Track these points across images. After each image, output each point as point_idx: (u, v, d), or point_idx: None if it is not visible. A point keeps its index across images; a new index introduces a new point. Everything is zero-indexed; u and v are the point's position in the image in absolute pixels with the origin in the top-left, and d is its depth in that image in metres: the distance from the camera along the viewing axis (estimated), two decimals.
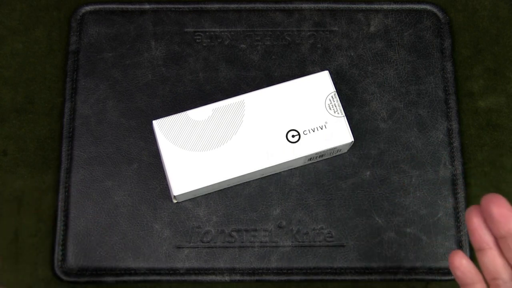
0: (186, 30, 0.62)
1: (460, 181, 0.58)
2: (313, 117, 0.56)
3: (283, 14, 0.62)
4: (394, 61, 0.61)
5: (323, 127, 0.56)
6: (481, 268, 0.42)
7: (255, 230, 0.57)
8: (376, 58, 0.61)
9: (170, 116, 0.56)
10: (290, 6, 0.62)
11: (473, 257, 0.58)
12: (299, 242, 0.57)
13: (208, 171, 0.55)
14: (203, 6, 0.62)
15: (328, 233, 0.57)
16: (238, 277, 0.56)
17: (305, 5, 0.62)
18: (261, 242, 0.57)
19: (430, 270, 0.56)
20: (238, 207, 0.57)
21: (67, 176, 0.58)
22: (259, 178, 0.58)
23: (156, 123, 0.56)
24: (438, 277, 0.56)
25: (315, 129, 0.56)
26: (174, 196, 0.55)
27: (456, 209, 0.58)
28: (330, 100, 0.56)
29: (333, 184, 0.58)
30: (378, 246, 0.57)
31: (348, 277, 0.56)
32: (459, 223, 0.57)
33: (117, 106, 0.60)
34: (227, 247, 0.56)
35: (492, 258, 0.41)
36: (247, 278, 0.56)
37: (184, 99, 0.60)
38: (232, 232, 0.57)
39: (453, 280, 0.56)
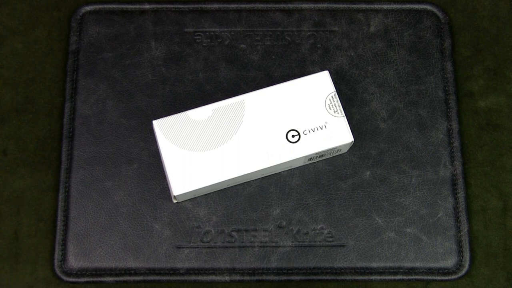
0: (186, 30, 0.62)
1: (460, 181, 0.58)
2: (313, 117, 0.56)
3: (283, 14, 0.62)
4: (394, 61, 0.61)
5: (323, 127, 0.56)
6: None
7: (255, 230, 0.57)
8: (376, 58, 0.61)
9: (170, 116, 0.56)
10: (290, 6, 0.62)
11: (473, 257, 0.58)
12: (299, 242, 0.57)
13: (208, 171, 0.55)
14: (203, 6, 0.62)
15: (328, 233, 0.57)
16: (238, 277, 0.56)
17: (305, 5, 0.62)
18: (261, 242, 0.57)
19: (430, 270, 0.56)
20: (238, 207, 0.57)
21: (67, 176, 0.58)
22: (259, 178, 0.58)
23: (156, 123, 0.56)
24: (438, 277, 0.56)
25: (315, 129, 0.56)
26: (174, 196, 0.55)
27: (456, 209, 0.58)
28: (330, 100, 0.56)
29: (333, 184, 0.58)
30: (378, 246, 0.57)
31: (348, 277, 0.56)
32: (459, 223, 0.57)
33: (117, 106, 0.60)
34: (227, 247, 0.56)
35: None
36: (247, 278, 0.56)
37: (184, 99, 0.60)
38: (232, 232, 0.57)
39: (453, 280, 0.56)
